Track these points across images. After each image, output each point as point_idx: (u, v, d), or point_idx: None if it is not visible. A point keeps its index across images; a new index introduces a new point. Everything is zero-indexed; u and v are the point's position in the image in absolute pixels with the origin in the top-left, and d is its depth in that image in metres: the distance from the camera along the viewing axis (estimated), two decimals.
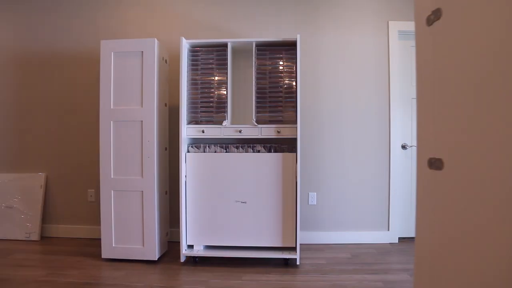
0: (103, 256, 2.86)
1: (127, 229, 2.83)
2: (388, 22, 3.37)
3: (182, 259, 2.81)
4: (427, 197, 1.14)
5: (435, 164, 1.09)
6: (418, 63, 1.19)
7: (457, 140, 0.98)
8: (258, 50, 2.93)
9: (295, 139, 2.80)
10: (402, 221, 3.41)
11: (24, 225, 3.45)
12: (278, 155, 2.81)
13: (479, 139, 0.89)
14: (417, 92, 1.21)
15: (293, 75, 2.91)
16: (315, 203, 3.38)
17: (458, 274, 0.95)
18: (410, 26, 3.34)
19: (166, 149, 3.13)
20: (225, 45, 2.94)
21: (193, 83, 2.97)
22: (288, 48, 2.92)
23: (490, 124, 0.84)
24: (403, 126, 3.40)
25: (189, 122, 2.93)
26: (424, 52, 1.15)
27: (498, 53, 0.80)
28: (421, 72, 1.18)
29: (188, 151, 2.91)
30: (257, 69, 2.92)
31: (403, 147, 3.42)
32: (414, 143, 3.37)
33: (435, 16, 1.07)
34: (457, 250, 0.95)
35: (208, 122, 2.95)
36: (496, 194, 0.81)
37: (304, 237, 3.29)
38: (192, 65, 2.97)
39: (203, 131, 2.88)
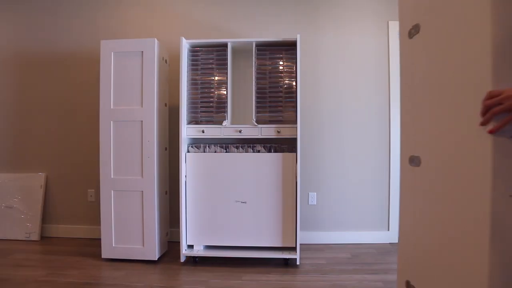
0: (103, 256, 2.86)
1: (127, 229, 2.83)
2: (388, 22, 3.37)
3: (182, 259, 2.81)
4: (408, 190, 1.30)
5: (414, 161, 1.24)
6: (401, 71, 1.33)
7: (431, 139, 1.12)
8: (258, 50, 2.93)
9: (295, 139, 2.80)
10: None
11: (24, 225, 3.45)
12: (278, 155, 2.81)
13: (448, 138, 1.04)
14: (400, 96, 1.36)
15: (293, 75, 2.91)
16: (315, 203, 3.38)
17: (435, 259, 1.11)
18: None
19: (166, 149, 3.13)
20: (225, 45, 2.94)
21: (193, 83, 2.97)
22: (288, 48, 2.92)
23: (456, 125, 1.00)
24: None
25: (189, 122, 2.94)
26: (406, 61, 1.30)
27: (462, 65, 0.96)
28: (403, 79, 1.32)
29: (188, 151, 2.91)
30: (257, 69, 2.92)
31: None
32: None
33: (415, 30, 1.21)
34: (435, 237, 1.11)
35: (208, 122, 2.95)
36: (461, 184, 0.98)
37: (304, 237, 3.29)
38: (192, 65, 2.97)
39: (203, 131, 2.88)
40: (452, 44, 1.01)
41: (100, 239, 2.89)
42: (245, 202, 2.82)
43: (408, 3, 1.24)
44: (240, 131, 2.85)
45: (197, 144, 2.99)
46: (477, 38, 0.90)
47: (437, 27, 1.08)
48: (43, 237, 3.50)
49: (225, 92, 2.95)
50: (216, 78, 2.97)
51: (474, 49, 0.92)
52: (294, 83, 2.90)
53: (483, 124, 0.88)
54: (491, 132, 0.86)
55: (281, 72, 2.95)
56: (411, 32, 1.24)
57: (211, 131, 2.87)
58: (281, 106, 2.92)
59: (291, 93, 2.91)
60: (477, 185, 0.91)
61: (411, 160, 1.27)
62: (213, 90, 2.97)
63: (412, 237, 1.24)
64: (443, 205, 1.06)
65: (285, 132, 2.81)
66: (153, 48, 2.80)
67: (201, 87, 2.97)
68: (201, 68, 2.98)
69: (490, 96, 0.85)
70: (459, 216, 0.98)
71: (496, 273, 0.83)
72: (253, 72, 2.90)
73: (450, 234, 1.01)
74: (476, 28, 0.89)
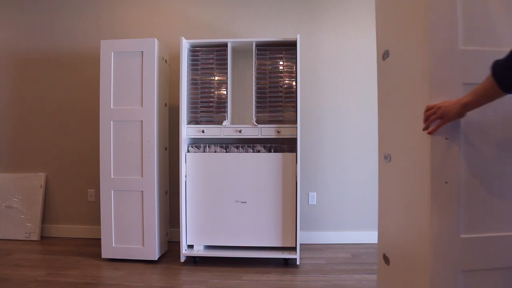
0: (103, 256, 2.86)
1: (127, 229, 2.83)
2: None
3: (182, 259, 2.81)
4: (383, 180, 1.62)
5: (387, 157, 1.56)
6: (378, 86, 1.66)
7: (398, 140, 1.46)
8: (258, 50, 2.93)
9: (295, 139, 2.80)
10: None
11: (24, 225, 3.45)
12: (278, 155, 2.81)
13: (407, 139, 1.36)
14: (378, 106, 1.67)
15: (293, 75, 2.91)
16: (315, 203, 3.38)
17: (402, 230, 1.42)
18: None
19: (166, 149, 3.13)
20: (225, 45, 2.94)
21: (193, 83, 2.97)
22: (288, 48, 2.92)
23: (412, 129, 1.31)
24: None
25: (189, 122, 2.94)
26: (381, 78, 1.62)
27: (413, 85, 1.28)
28: (379, 93, 1.64)
29: (188, 151, 2.91)
30: (257, 69, 2.92)
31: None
32: None
33: (386, 55, 1.53)
34: (400, 215, 1.42)
35: (208, 122, 2.95)
36: (413, 172, 1.30)
37: (304, 237, 3.29)
38: (192, 65, 2.97)
39: (203, 131, 2.88)
40: (407, 67, 1.33)
41: (100, 239, 2.89)
42: (245, 202, 2.82)
43: (381, 33, 1.60)
44: (240, 131, 2.85)
45: (197, 144, 2.99)
46: (419, 71, 1.22)
47: (399, 53, 1.42)
48: (43, 237, 3.50)
49: (225, 92, 2.95)
50: (216, 78, 2.97)
51: (419, 76, 1.23)
52: (294, 83, 2.90)
53: (425, 129, 1.17)
54: (429, 133, 1.16)
55: (281, 72, 2.95)
56: (384, 55, 1.56)
57: (211, 131, 2.87)
58: (281, 106, 2.92)
59: (291, 93, 2.91)
60: (423, 173, 1.22)
61: (385, 157, 1.58)
62: (213, 90, 2.97)
63: (387, 217, 1.57)
64: (404, 190, 1.38)
65: (285, 132, 2.81)
66: (153, 48, 2.80)
67: (201, 87, 2.97)
68: (201, 68, 2.98)
69: (428, 108, 1.15)
70: (413, 196, 1.30)
71: (436, 234, 1.15)
72: (253, 72, 2.90)
73: (409, 211, 1.34)
74: (419, 62, 1.23)
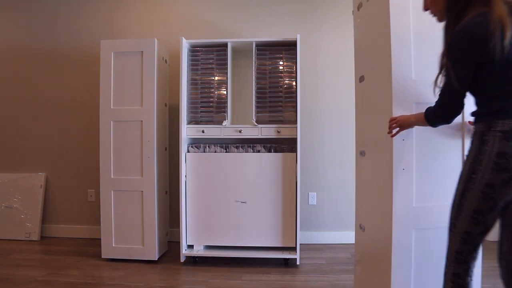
0: (103, 256, 2.86)
1: (127, 229, 2.83)
2: None
3: (182, 259, 2.81)
4: (359, 171, 2.06)
5: (362, 153, 2.00)
6: (355, 101, 2.12)
7: (369, 140, 1.93)
8: (258, 50, 2.93)
9: (295, 139, 2.80)
10: None
11: (24, 225, 3.45)
12: (278, 155, 2.81)
13: (376, 139, 1.81)
14: (355, 115, 2.11)
15: (293, 75, 2.91)
16: (315, 203, 3.38)
17: (372, 205, 1.87)
18: None
19: (166, 149, 3.13)
20: (225, 45, 2.94)
21: (193, 83, 2.97)
22: (288, 48, 2.92)
23: (379, 132, 1.74)
24: None
25: (189, 122, 2.93)
26: (358, 96, 2.09)
27: (382, 102, 1.72)
28: (357, 106, 2.10)
29: (188, 151, 2.91)
30: (257, 69, 2.92)
31: None
32: None
33: (362, 79, 1.99)
34: (372, 194, 1.87)
35: (208, 122, 2.95)
36: (379, 164, 1.76)
37: (304, 237, 3.28)
38: (192, 65, 2.97)
39: (203, 131, 2.88)
40: (377, 90, 1.79)
41: (100, 239, 2.88)
42: (245, 202, 2.81)
43: (358, 63, 2.07)
44: (240, 131, 2.85)
45: (197, 144, 2.99)
46: (385, 93, 1.69)
47: (371, 79, 1.89)
48: (43, 237, 3.50)
49: (225, 92, 2.95)
50: (216, 78, 2.97)
51: (385, 96, 1.69)
52: (294, 83, 2.90)
53: (389, 133, 1.60)
54: (392, 136, 1.60)
55: (281, 72, 2.95)
56: (360, 79, 2.01)
57: (211, 131, 2.87)
58: (281, 106, 2.92)
59: (291, 93, 2.91)
60: (387, 163, 1.67)
61: (360, 153, 2.01)
62: (213, 90, 2.97)
63: (362, 197, 2.03)
64: (374, 175, 1.84)
65: (285, 132, 2.81)
66: (153, 48, 2.80)
67: (201, 87, 2.97)
68: (201, 68, 2.98)
69: (391, 119, 1.59)
70: (381, 180, 1.74)
71: (396, 205, 1.61)
72: (253, 72, 2.90)
73: (378, 191, 1.78)
74: (385, 87, 1.68)
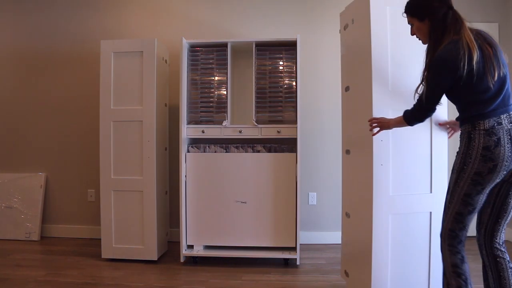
0: (103, 256, 2.86)
1: (127, 229, 2.83)
2: None
3: (182, 259, 2.81)
4: (345, 168, 2.32)
5: (348, 152, 2.25)
6: (342, 108, 2.37)
7: (353, 139, 2.21)
8: (258, 50, 2.93)
9: (295, 139, 2.80)
10: None
11: (24, 225, 3.45)
12: (278, 155, 2.81)
13: (359, 138, 2.10)
14: (342, 119, 2.37)
15: (293, 75, 2.91)
16: (315, 203, 3.38)
17: (356, 191, 2.17)
18: None
19: (166, 149, 3.13)
20: (225, 45, 2.94)
21: (193, 83, 2.97)
22: (288, 48, 2.92)
23: (362, 132, 2.01)
24: None
25: (189, 122, 2.93)
26: (344, 103, 2.34)
27: (364, 107, 1.99)
28: (343, 111, 2.36)
29: (188, 151, 2.91)
30: (257, 69, 2.92)
31: None
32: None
33: (347, 89, 2.26)
34: (356, 187, 2.15)
35: (208, 122, 2.95)
36: (362, 160, 2.04)
37: (304, 237, 3.28)
38: (192, 65, 2.97)
39: (203, 131, 2.88)
40: (360, 98, 2.07)
41: (100, 239, 2.88)
42: (245, 202, 2.82)
43: (344, 75, 2.32)
44: (240, 131, 2.85)
45: (197, 144, 2.99)
46: (367, 100, 1.98)
47: (355, 89, 2.17)
48: (43, 237, 3.50)
49: (225, 92, 2.95)
50: (216, 78, 2.97)
51: (366, 103, 1.98)
52: (294, 83, 2.90)
53: (370, 130, 1.87)
54: (373, 135, 1.88)
55: (281, 72, 2.95)
56: (346, 89, 2.27)
57: (211, 131, 2.87)
58: (281, 106, 2.92)
59: (291, 93, 2.91)
60: (368, 160, 1.95)
61: (346, 151, 2.27)
62: (213, 90, 2.97)
63: (348, 188, 2.30)
64: (358, 170, 2.12)
65: (285, 132, 2.81)
66: (153, 48, 2.80)
67: (201, 87, 2.97)
68: (201, 68, 2.98)
69: (371, 119, 1.87)
70: (363, 174, 2.03)
71: (376, 194, 1.91)
72: (253, 72, 2.90)
73: (361, 183, 2.06)
74: (367, 95, 1.98)
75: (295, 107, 2.81)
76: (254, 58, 2.89)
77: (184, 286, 2.42)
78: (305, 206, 3.36)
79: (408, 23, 1.71)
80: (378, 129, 1.86)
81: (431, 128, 1.98)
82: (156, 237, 2.81)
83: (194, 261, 2.87)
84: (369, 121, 1.87)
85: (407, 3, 1.67)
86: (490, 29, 3.36)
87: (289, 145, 2.91)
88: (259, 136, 2.85)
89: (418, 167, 1.98)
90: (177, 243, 2.90)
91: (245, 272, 2.66)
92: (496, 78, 1.46)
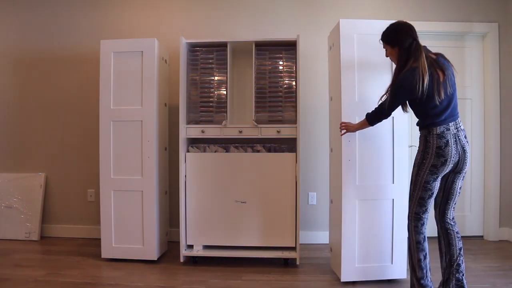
0: (103, 256, 2.86)
1: (127, 229, 2.83)
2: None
3: (182, 259, 2.80)
4: (331, 164, 2.73)
5: (331, 150, 2.68)
6: (329, 114, 2.76)
7: (333, 139, 2.65)
8: (258, 50, 2.93)
9: (295, 139, 2.80)
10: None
11: (24, 225, 3.45)
12: (278, 155, 2.81)
13: (336, 138, 2.55)
14: (329, 122, 2.78)
15: (293, 75, 2.91)
16: (315, 203, 3.38)
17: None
18: None
19: (166, 149, 3.13)
20: (224, 45, 2.94)
21: (192, 83, 2.97)
22: (288, 48, 2.92)
23: (337, 132, 2.49)
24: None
25: (189, 122, 2.93)
26: (330, 110, 2.73)
27: (337, 115, 2.51)
28: (330, 116, 2.75)
29: (188, 151, 2.91)
30: (257, 69, 2.92)
31: None
32: (415, 143, 3.38)
33: (331, 99, 2.67)
34: (337, 179, 2.55)
35: (208, 122, 2.95)
36: (336, 155, 2.58)
37: (304, 237, 3.28)
38: (192, 65, 2.97)
39: (203, 131, 2.88)
40: (337, 107, 2.49)
41: (100, 239, 2.88)
42: (245, 202, 2.82)
43: (330, 86, 2.71)
44: (240, 131, 2.85)
45: (197, 144, 2.99)
46: (339, 108, 2.45)
47: (334, 99, 2.59)
48: (43, 237, 3.50)
49: (225, 92, 2.95)
50: (216, 78, 2.97)
51: (340, 111, 2.44)
52: (294, 83, 2.90)
53: (340, 131, 2.37)
54: (341, 135, 2.37)
55: (281, 72, 2.95)
56: (330, 99, 2.70)
57: (211, 131, 2.87)
58: (281, 106, 2.92)
59: (291, 93, 2.91)
60: (340, 156, 2.43)
61: (331, 150, 2.70)
62: (213, 90, 2.97)
63: (332, 180, 2.72)
64: (336, 164, 2.55)
65: (285, 132, 2.81)
66: (153, 48, 2.80)
67: (201, 87, 2.97)
68: (201, 68, 2.98)
69: (341, 124, 2.36)
70: (337, 167, 2.52)
71: (345, 184, 2.42)
72: (253, 72, 2.90)
73: (338, 175, 2.51)
74: (339, 105, 2.45)
75: (295, 107, 2.81)
76: (254, 58, 2.89)
77: (184, 286, 2.42)
78: (305, 206, 3.36)
79: (384, 48, 2.13)
80: (345, 131, 2.34)
81: (393, 131, 2.44)
82: (156, 237, 2.81)
83: (194, 261, 2.87)
84: (340, 124, 2.38)
85: (383, 32, 2.08)
86: (490, 29, 3.39)
87: (289, 145, 2.91)
88: (259, 136, 2.85)
89: (382, 162, 2.44)
90: (177, 243, 2.90)
91: (245, 272, 2.66)
92: (443, 96, 1.91)
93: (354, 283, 2.44)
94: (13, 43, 3.59)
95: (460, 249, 2.03)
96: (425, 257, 2.01)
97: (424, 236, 2.03)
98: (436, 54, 2.01)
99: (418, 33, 2.00)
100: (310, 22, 3.40)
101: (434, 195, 2.02)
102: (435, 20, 3.37)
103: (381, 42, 2.11)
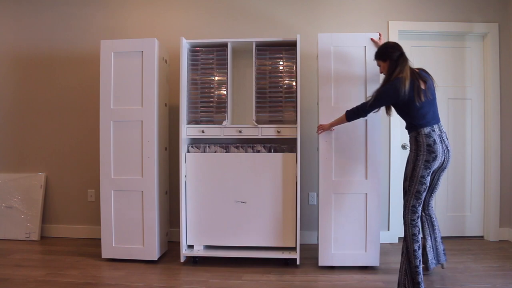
0: (103, 256, 2.86)
1: (127, 229, 2.83)
2: (388, 22, 3.37)
3: (182, 259, 2.81)
4: (319, 162, 2.83)
5: (318, 149, 2.83)
6: (320, 114, 2.78)
7: (321, 140, 2.77)
8: (258, 50, 2.93)
9: (295, 139, 2.80)
10: (402, 221, 3.40)
11: (24, 225, 3.45)
12: (278, 155, 2.81)
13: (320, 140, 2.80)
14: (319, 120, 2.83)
15: (293, 75, 2.91)
16: (315, 203, 3.38)
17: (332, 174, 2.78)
18: (410, 26, 3.34)
19: (166, 149, 3.13)
20: (225, 45, 2.94)
21: (193, 83, 2.97)
22: (288, 48, 2.92)
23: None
24: (403, 126, 3.39)
25: (189, 122, 2.94)
26: (320, 111, 2.79)
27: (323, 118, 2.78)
28: (318, 120, 2.82)
29: (188, 151, 2.91)
30: (257, 69, 2.92)
31: (403, 147, 3.42)
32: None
33: (318, 103, 2.84)
34: (323, 174, 2.78)
35: (208, 122, 2.95)
36: (322, 150, 2.78)
37: (304, 237, 3.29)
38: (192, 65, 2.97)
39: (203, 131, 2.88)
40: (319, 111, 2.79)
41: (100, 239, 2.89)
42: (245, 202, 2.82)
43: (320, 93, 2.77)
44: (240, 131, 2.85)
45: (197, 144, 2.99)
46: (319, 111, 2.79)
47: (320, 103, 2.80)
48: (43, 237, 3.50)
49: (225, 92, 2.95)
50: (216, 78, 2.97)
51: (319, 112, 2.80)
52: (294, 83, 2.90)
53: (317, 132, 2.74)
54: (318, 133, 2.73)
55: (281, 72, 2.95)
56: (318, 102, 2.85)
57: (211, 131, 2.87)
58: (281, 106, 2.92)
59: (291, 93, 2.91)
60: (319, 154, 2.75)
61: (317, 149, 2.88)
62: (213, 90, 2.97)
63: (322, 173, 2.77)
64: (320, 163, 2.76)
65: (285, 132, 2.81)
66: (153, 48, 2.80)
67: (201, 87, 2.97)
68: (201, 68, 2.98)
69: (319, 125, 2.71)
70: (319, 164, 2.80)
71: (322, 178, 2.74)
72: (253, 72, 2.90)
73: (319, 173, 2.77)
74: (319, 108, 2.81)
75: (295, 107, 2.81)
76: (254, 58, 2.89)
77: (184, 286, 2.42)
78: (305, 206, 3.36)
79: (378, 65, 2.47)
80: (321, 130, 2.67)
81: (367, 132, 2.67)
82: (156, 237, 2.81)
83: (194, 261, 2.87)
84: (318, 127, 2.72)
85: (376, 52, 2.43)
86: (490, 29, 3.39)
87: (289, 145, 2.91)
88: (259, 136, 2.85)
89: (357, 160, 2.69)
90: (177, 243, 2.91)
91: (245, 272, 2.66)
92: (423, 99, 2.18)
93: (332, 268, 2.73)
94: (12, 43, 3.59)
95: (438, 226, 2.56)
96: (419, 248, 2.22)
97: (419, 229, 2.25)
98: (418, 69, 2.34)
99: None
100: (310, 22, 3.40)
101: (427, 189, 2.28)
102: (435, 20, 3.37)
103: (375, 61, 2.46)
